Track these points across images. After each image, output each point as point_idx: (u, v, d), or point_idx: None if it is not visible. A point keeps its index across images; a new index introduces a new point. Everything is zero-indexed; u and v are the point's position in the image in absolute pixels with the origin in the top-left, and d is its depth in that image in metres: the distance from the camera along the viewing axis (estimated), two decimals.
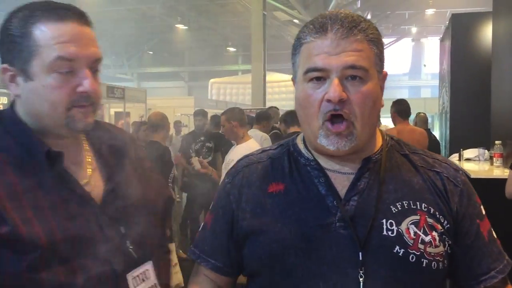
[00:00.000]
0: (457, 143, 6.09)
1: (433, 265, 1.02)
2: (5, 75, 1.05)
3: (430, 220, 1.04)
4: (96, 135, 1.17)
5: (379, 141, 1.12)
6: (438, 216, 1.05)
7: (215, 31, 24.98)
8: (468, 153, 5.50)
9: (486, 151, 5.40)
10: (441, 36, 8.94)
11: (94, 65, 1.07)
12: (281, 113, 7.85)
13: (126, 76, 30.37)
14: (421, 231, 1.02)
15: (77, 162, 1.11)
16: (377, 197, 1.05)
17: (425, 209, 1.04)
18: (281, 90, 22.08)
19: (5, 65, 1.05)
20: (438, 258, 1.02)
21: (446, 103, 7.47)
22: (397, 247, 1.01)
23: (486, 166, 5.01)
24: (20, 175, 0.99)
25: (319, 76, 1.01)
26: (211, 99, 21.29)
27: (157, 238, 1.24)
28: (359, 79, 1.01)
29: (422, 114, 7.06)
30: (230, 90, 23.74)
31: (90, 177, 1.12)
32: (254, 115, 6.66)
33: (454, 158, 5.55)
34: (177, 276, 3.66)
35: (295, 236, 1.04)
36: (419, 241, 1.02)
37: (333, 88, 0.99)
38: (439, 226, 1.04)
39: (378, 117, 1.11)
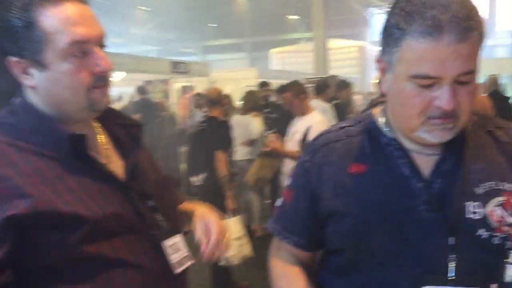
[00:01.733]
0: None
1: None
2: (16, 69, 1.02)
3: None
4: (104, 116, 1.16)
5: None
6: None
7: None
8: None
9: None
10: None
11: (101, 42, 1.06)
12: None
13: (190, 50, 30.84)
14: (507, 212, 1.00)
15: (94, 144, 1.12)
16: (462, 179, 1.03)
17: (510, 190, 1.02)
18: (344, 57, 21.56)
19: (14, 59, 1.01)
20: None
21: None
22: (481, 230, 1.00)
23: None
24: (46, 162, 1.00)
25: (430, 83, 0.96)
26: (273, 70, 21.21)
27: (179, 212, 1.30)
28: (466, 83, 0.97)
29: (493, 76, 6.70)
30: (292, 59, 23.51)
31: (108, 157, 1.14)
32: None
33: None
34: (244, 248, 3.77)
35: (380, 218, 1.05)
36: (505, 224, 1.00)
37: (447, 98, 0.95)
38: None
39: None
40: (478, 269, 1.00)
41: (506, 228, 1.00)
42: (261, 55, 28.49)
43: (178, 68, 13.25)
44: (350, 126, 1.18)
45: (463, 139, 1.06)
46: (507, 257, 1.00)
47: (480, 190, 1.02)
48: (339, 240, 1.12)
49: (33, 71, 1.01)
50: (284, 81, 5.25)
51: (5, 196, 0.92)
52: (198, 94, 10.99)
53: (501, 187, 1.02)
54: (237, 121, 5.28)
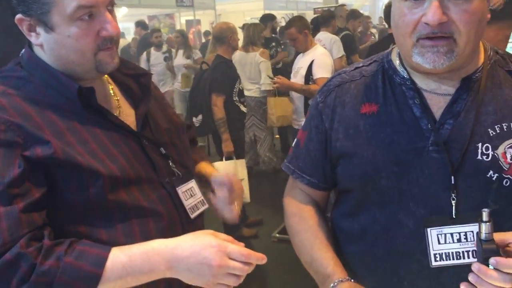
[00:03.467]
0: None
1: None
2: (22, 26, 1.04)
3: None
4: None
5: (481, 57, 1.04)
6: None
7: None
8: None
9: None
10: None
11: (109, 4, 1.06)
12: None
13: None
14: None
15: (104, 96, 1.14)
16: (474, 120, 1.01)
17: None
18: None
19: (20, 16, 1.02)
20: None
21: None
22: (491, 172, 0.99)
23: None
24: (59, 114, 1.02)
25: None
26: (280, 0, 20.54)
27: (191, 156, 1.32)
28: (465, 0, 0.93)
29: None
30: None
31: (119, 107, 1.16)
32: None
33: None
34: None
35: (388, 159, 1.06)
36: None
37: (432, 11, 0.92)
38: None
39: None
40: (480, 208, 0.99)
41: None
42: None
43: (183, 1, 12.88)
44: (365, 65, 1.17)
45: (480, 78, 1.02)
46: None
47: (493, 131, 1.00)
48: (349, 181, 1.15)
49: (40, 30, 1.03)
50: (292, 12, 5.05)
51: (24, 141, 0.96)
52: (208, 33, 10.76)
53: None
54: (239, 58, 5.14)
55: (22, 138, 0.96)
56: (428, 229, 1.03)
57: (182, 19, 15.26)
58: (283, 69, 6.28)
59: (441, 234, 1.03)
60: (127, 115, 1.17)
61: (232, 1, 20.18)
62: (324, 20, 5.90)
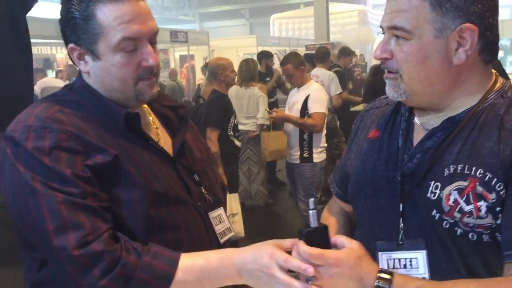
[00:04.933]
0: None
1: (470, 236, 0.97)
2: (73, 54, 1.14)
3: (479, 189, 0.96)
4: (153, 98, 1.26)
5: (475, 99, 1.04)
6: (493, 183, 0.95)
7: None
8: None
9: None
10: None
11: (153, 38, 1.14)
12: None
13: (187, 17, 30.41)
14: (463, 199, 0.97)
15: (145, 124, 1.22)
16: (435, 158, 1.03)
17: (479, 175, 0.96)
18: (345, 22, 21.21)
19: (72, 45, 1.12)
20: (480, 230, 0.96)
21: None
22: (435, 211, 1.01)
23: None
24: (109, 133, 1.11)
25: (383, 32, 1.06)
26: (273, 36, 20.93)
27: (220, 186, 1.39)
28: (402, 39, 1.00)
29: None
30: (292, 25, 23.14)
31: (158, 135, 1.25)
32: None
33: None
34: (237, 225, 3.77)
35: (367, 182, 1.13)
36: (456, 209, 0.98)
37: (377, 47, 1.04)
38: (491, 196, 0.95)
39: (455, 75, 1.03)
40: (427, 243, 1.03)
41: (457, 214, 0.97)
42: (261, 21, 28.08)
43: (178, 37, 13.09)
44: None
45: (462, 119, 1.03)
46: (458, 242, 0.99)
47: (448, 171, 1.00)
48: (348, 198, 1.25)
49: (88, 58, 1.12)
50: (284, 48, 5.16)
51: (85, 149, 1.04)
52: (206, 66, 10.85)
53: (470, 172, 0.97)
54: (236, 92, 5.18)
55: (82, 146, 1.04)
56: (379, 253, 1.08)
57: (176, 54, 15.46)
58: (275, 103, 6.37)
59: (390, 259, 1.07)
60: (165, 142, 1.25)
61: (226, 37, 20.53)
62: (321, 56, 6.03)
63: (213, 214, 1.26)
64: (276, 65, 6.93)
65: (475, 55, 1.00)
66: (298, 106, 4.09)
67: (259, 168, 5.49)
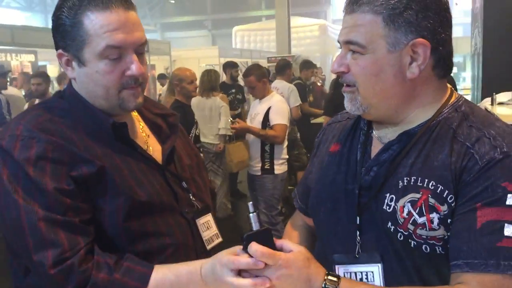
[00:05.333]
0: (490, 86, 5.89)
1: (424, 248, 0.98)
2: (61, 60, 1.17)
3: (431, 201, 0.97)
4: (144, 106, 1.30)
5: (430, 112, 1.06)
6: (445, 195, 0.96)
7: None
8: (501, 96, 5.33)
9: None
10: None
11: (139, 48, 1.15)
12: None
13: (149, 27, 30.14)
14: (416, 211, 0.98)
15: (133, 131, 1.25)
16: (390, 170, 1.04)
17: (432, 187, 0.97)
18: (306, 35, 21.55)
19: (60, 51, 1.15)
20: (433, 241, 0.97)
21: (479, 44, 7.18)
22: (390, 223, 1.02)
23: None
24: (96, 142, 1.13)
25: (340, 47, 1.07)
26: (235, 48, 21.01)
27: (209, 192, 1.40)
28: (357, 53, 1.02)
29: None
30: (254, 37, 23.30)
31: (147, 143, 1.27)
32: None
33: (487, 102, 5.40)
34: None
35: (326, 195, 1.14)
36: (410, 221, 0.98)
37: (335, 61, 1.07)
38: (443, 208, 0.96)
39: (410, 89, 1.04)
40: (383, 254, 1.04)
41: (411, 227, 0.98)
42: (223, 33, 28.16)
43: None
44: None
45: (416, 132, 1.05)
46: (412, 255, 1.00)
47: (402, 183, 1.01)
48: (309, 212, 1.25)
49: (75, 64, 1.15)
50: (246, 60, 5.17)
51: (70, 160, 1.06)
52: (163, 76, 10.69)
53: (422, 184, 0.99)
54: (197, 103, 5.14)
55: (68, 157, 1.06)
56: (336, 266, 1.08)
57: None
58: (239, 115, 6.37)
59: (347, 272, 1.07)
60: (155, 150, 1.27)
61: (188, 47, 20.44)
62: (280, 69, 6.08)
63: (200, 221, 1.28)
64: (239, 76, 6.93)
65: (429, 69, 1.03)
66: (260, 117, 4.10)
67: (222, 180, 5.46)
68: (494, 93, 5.37)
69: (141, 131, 1.29)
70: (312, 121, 6.34)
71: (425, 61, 1.00)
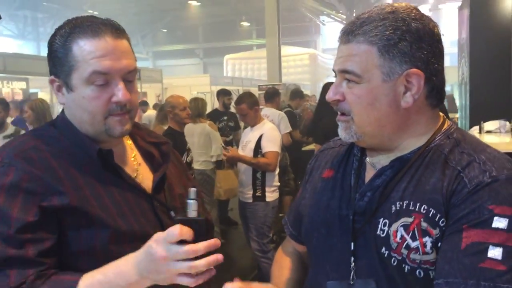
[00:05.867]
0: (477, 115, 5.96)
1: (417, 272, 0.98)
2: (53, 85, 1.19)
3: (424, 225, 0.97)
4: (137, 134, 1.32)
5: (423, 140, 1.07)
6: (437, 219, 0.96)
7: (228, 6, 24.73)
8: (489, 125, 5.40)
9: (508, 122, 5.30)
10: (459, 5, 8.69)
11: (128, 76, 1.16)
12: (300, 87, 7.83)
13: (141, 55, 30.39)
14: (409, 235, 0.98)
15: (123, 159, 1.25)
16: (382, 196, 1.04)
17: (424, 211, 0.98)
18: (297, 64, 21.84)
19: (52, 77, 1.18)
20: (426, 266, 0.97)
21: (466, 73, 7.31)
22: (384, 248, 1.01)
23: (507, 138, 4.92)
24: (80, 171, 1.13)
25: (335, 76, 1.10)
26: (226, 76, 21.20)
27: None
28: (352, 82, 1.04)
29: None
30: (245, 66, 23.59)
31: (138, 171, 1.26)
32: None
33: (475, 131, 5.46)
34: None
35: (320, 221, 1.13)
36: (403, 246, 0.98)
37: (329, 90, 1.08)
38: (435, 232, 0.96)
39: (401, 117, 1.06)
40: (377, 281, 1.03)
41: (404, 251, 0.98)
42: (215, 61, 28.48)
43: None
44: None
45: (409, 158, 1.06)
46: (406, 279, 0.99)
47: (395, 207, 1.02)
48: (302, 238, 1.25)
49: (64, 90, 1.17)
50: (237, 88, 5.23)
51: (43, 191, 1.07)
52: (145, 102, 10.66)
53: (414, 208, 0.99)
54: (187, 129, 5.15)
55: (42, 188, 1.07)
56: None
57: None
58: (230, 142, 6.38)
59: None
60: (146, 178, 1.26)
61: (179, 75, 20.57)
62: (269, 96, 6.15)
63: None
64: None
65: (422, 99, 1.04)
66: (252, 145, 4.11)
67: (211, 207, 5.41)
68: (482, 122, 5.45)
69: (132, 159, 1.28)
70: (303, 149, 6.36)
71: (419, 90, 1.02)
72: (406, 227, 0.98)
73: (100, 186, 1.14)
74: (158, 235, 0.96)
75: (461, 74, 8.38)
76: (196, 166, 5.10)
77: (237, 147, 6.02)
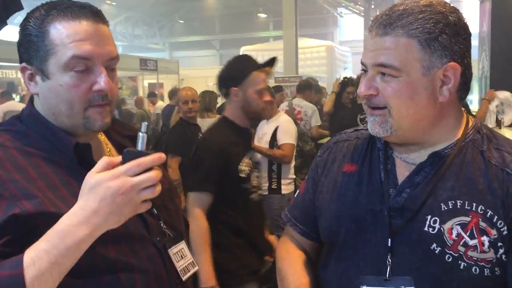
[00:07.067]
0: None
1: (474, 269, 0.99)
2: (24, 74, 1.08)
3: (482, 224, 0.99)
4: (111, 127, 1.18)
5: (458, 133, 1.08)
6: (495, 220, 1.00)
7: None
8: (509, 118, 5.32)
9: None
10: None
11: (110, 63, 1.08)
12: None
13: (158, 46, 30.49)
14: (467, 234, 1.00)
15: (99, 155, 1.12)
16: (428, 193, 1.04)
17: (481, 212, 1.00)
18: (313, 56, 21.70)
19: (24, 64, 1.07)
20: (483, 263, 0.99)
21: (486, 67, 7.19)
22: (435, 245, 1.01)
23: None
24: (53, 168, 1.03)
25: (364, 69, 1.08)
26: None
27: (182, 219, 1.32)
28: (389, 76, 1.02)
29: None
30: (262, 57, 23.40)
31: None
32: (285, 84, 6.68)
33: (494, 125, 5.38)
34: None
35: (348, 216, 1.12)
36: (460, 243, 1.00)
37: (361, 84, 1.05)
38: (493, 232, 0.99)
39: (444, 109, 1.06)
40: (418, 277, 1.02)
41: (461, 248, 0.99)
42: (231, 53, 28.29)
43: (147, 65, 13.06)
44: (363, 129, 1.24)
45: (448, 154, 1.06)
46: (460, 275, 1.00)
47: (445, 206, 1.02)
48: (321, 234, 1.22)
49: (38, 79, 1.06)
50: None
51: (13, 196, 0.94)
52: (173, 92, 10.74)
53: (471, 208, 1.01)
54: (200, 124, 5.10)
55: (9, 192, 0.95)
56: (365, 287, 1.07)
57: (145, 82, 15.39)
58: None
59: None
60: None
61: (195, 67, 20.62)
62: (301, 88, 6.27)
63: (173, 250, 1.18)
64: None
65: (454, 92, 1.05)
66: (267, 137, 4.11)
67: None
68: (501, 117, 5.36)
69: (108, 154, 1.19)
70: (319, 142, 6.34)
71: (455, 84, 1.03)
72: (463, 225, 1.00)
73: (77, 184, 0.98)
74: (108, 175, 0.89)
75: (481, 68, 8.24)
76: None
77: None
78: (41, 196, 0.97)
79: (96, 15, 1.07)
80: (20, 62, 1.08)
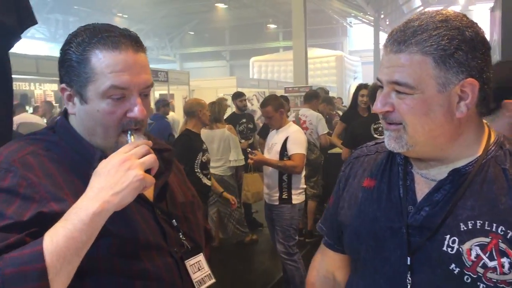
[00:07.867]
0: None
1: None
2: (64, 94, 1.15)
3: (502, 246, 0.96)
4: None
5: (480, 150, 1.06)
6: None
7: (255, 8, 24.78)
8: None
9: None
10: (491, 6, 8.47)
11: (145, 90, 1.14)
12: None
13: (169, 57, 30.75)
14: (486, 255, 0.97)
15: None
16: (448, 212, 1.02)
17: (501, 232, 0.97)
18: (323, 66, 21.72)
19: (63, 85, 1.14)
20: (503, 285, 0.96)
21: None
22: (453, 265, 0.99)
23: None
24: (80, 178, 1.08)
25: (380, 86, 1.07)
26: (253, 78, 21.23)
27: (202, 232, 1.34)
28: (404, 94, 1.00)
29: None
30: (271, 68, 23.56)
31: None
32: (295, 94, 6.71)
33: None
34: None
35: (368, 233, 1.11)
36: (479, 264, 0.97)
37: (377, 100, 1.05)
38: None
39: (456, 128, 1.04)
40: None
41: (480, 270, 0.97)
42: (241, 63, 28.56)
43: (158, 76, 13.17)
44: (383, 142, 1.21)
45: (468, 171, 1.04)
46: None
47: (465, 226, 1.00)
48: (345, 249, 1.24)
49: (76, 100, 1.12)
50: (263, 90, 5.23)
51: (43, 198, 1.01)
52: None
53: (491, 228, 0.98)
54: (205, 136, 4.99)
55: (39, 195, 1.02)
56: None
57: (156, 93, 15.50)
58: (251, 145, 6.39)
59: None
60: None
61: (206, 78, 20.73)
62: (308, 97, 6.28)
63: (191, 261, 1.22)
64: (256, 106, 6.98)
65: (473, 107, 1.02)
66: (278, 147, 4.10)
67: (230, 209, 5.34)
68: None
69: None
70: (329, 151, 6.32)
71: (473, 100, 1.00)
72: (482, 246, 0.98)
73: None
74: (110, 156, 1.03)
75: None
76: (214, 171, 5.11)
77: (257, 148, 6.06)
78: (68, 201, 1.02)
79: (135, 44, 1.11)
80: (60, 82, 1.15)
